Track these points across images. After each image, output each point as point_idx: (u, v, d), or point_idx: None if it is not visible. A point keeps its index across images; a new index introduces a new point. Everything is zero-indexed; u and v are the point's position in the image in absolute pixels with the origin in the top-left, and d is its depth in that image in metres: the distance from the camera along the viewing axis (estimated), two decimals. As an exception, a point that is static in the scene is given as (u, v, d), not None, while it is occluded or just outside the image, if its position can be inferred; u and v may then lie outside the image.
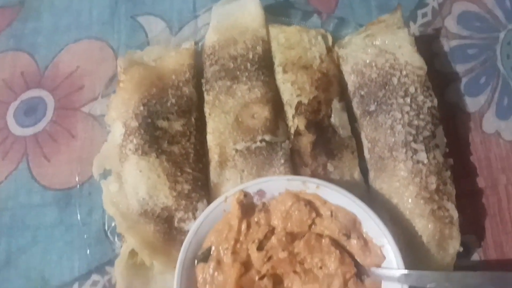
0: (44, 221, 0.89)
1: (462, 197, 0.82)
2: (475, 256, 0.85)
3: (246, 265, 0.73)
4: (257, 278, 0.72)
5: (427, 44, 0.96)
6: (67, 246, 0.88)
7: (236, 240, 0.75)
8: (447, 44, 0.97)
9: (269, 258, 0.73)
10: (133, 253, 0.81)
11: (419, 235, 0.78)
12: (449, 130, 0.87)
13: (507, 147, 0.90)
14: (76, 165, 0.91)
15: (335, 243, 0.74)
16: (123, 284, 0.80)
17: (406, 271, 0.69)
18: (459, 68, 0.96)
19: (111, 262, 0.84)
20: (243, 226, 0.76)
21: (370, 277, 0.73)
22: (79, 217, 0.88)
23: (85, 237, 0.87)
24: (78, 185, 0.90)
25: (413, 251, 0.77)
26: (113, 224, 0.85)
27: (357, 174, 0.85)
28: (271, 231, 0.76)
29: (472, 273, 0.64)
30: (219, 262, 0.74)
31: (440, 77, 0.94)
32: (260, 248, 0.74)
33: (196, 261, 0.75)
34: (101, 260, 0.86)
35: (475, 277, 0.63)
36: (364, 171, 0.86)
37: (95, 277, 0.86)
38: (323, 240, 0.74)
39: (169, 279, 0.77)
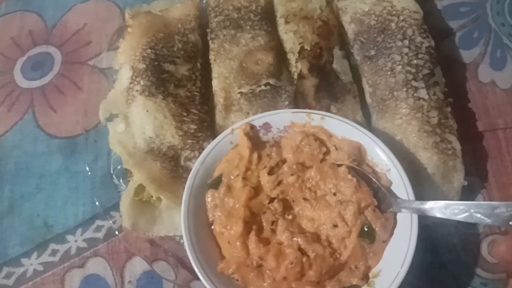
0: (49, 168, 0.89)
1: (464, 141, 0.83)
2: (479, 198, 0.85)
3: (257, 190, 0.74)
4: (267, 201, 0.72)
5: (421, 4, 1.00)
6: (71, 192, 0.87)
7: (247, 168, 0.75)
8: (439, 3, 1.02)
9: (279, 183, 0.73)
10: (139, 191, 0.81)
11: (424, 167, 0.80)
12: (447, 81, 0.89)
13: (503, 95, 0.93)
14: (82, 115, 0.92)
15: (353, 170, 0.74)
16: (129, 221, 0.79)
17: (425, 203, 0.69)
18: (452, 24, 1.00)
19: (115, 207, 0.83)
20: (255, 156, 0.76)
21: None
22: (84, 164, 0.88)
23: (89, 182, 0.86)
24: (84, 133, 0.90)
25: (419, 183, 0.78)
26: (119, 167, 0.86)
27: (359, 117, 0.86)
28: (283, 161, 0.77)
29: (501, 203, 0.64)
30: (229, 188, 0.74)
31: (434, 33, 0.97)
32: (271, 173, 0.74)
33: (206, 188, 0.75)
34: (106, 205, 0.85)
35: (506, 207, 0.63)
36: (367, 118, 0.88)
37: (99, 222, 0.85)
38: (340, 168, 0.73)
39: (176, 216, 0.77)
